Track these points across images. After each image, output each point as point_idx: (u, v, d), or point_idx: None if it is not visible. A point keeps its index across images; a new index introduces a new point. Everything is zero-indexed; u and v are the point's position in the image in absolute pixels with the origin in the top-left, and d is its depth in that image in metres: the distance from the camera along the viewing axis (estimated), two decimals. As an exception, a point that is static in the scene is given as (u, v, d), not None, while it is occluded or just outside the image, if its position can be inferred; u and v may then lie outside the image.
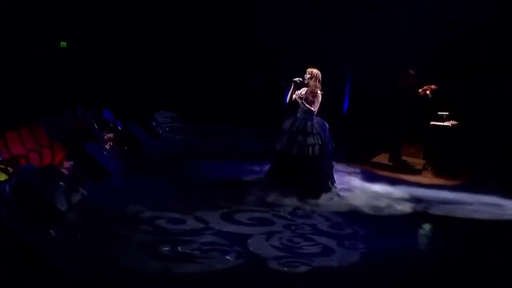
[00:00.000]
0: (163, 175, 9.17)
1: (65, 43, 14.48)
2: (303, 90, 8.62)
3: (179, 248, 6.00)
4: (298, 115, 8.61)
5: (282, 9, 14.05)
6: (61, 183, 6.79)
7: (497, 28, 11.88)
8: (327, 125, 8.66)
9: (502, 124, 11.56)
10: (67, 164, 8.53)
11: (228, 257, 5.86)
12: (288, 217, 7.43)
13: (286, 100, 8.71)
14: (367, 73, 13.11)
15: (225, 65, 15.18)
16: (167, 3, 14.96)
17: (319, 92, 8.49)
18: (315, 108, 8.50)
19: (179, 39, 15.13)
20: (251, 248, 6.16)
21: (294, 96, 8.63)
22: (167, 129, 13.18)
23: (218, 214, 7.26)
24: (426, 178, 10.62)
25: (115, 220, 6.73)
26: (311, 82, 8.53)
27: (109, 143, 10.14)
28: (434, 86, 10.65)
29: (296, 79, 8.59)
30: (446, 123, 10.94)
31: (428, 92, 10.65)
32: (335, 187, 8.73)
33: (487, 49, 12.02)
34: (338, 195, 8.55)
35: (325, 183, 8.57)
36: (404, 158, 11.34)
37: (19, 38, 12.81)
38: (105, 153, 8.75)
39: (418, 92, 10.67)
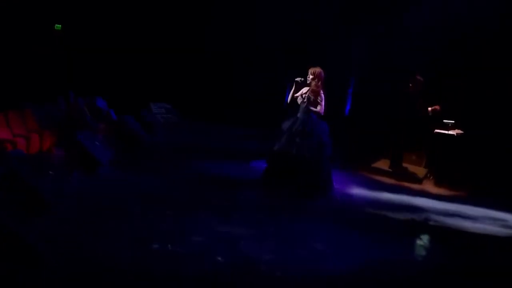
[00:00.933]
0: (157, 170, 9.04)
1: (60, 25, 14.25)
2: (304, 90, 8.45)
3: (169, 246, 5.85)
4: (298, 115, 8.50)
5: (282, 9, 13.96)
6: (50, 171, 6.60)
7: (497, 28, 11.79)
8: (328, 127, 8.49)
9: (503, 126, 11.38)
10: (56, 151, 8.32)
11: (219, 258, 5.72)
12: (283, 219, 7.24)
13: (286, 99, 8.54)
14: (368, 74, 13.00)
15: (225, 65, 15.11)
16: (168, 4, 14.82)
17: (321, 91, 8.34)
18: (321, 108, 8.35)
19: (179, 39, 15.02)
20: (243, 250, 6.02)
21: (299, 99, 8.46)
22: (161, 120, 13.05)
23: (212, 213, 7.11)
24: (427, 187, 10.44)
25: (104, 213, 6.62)
26: (313, 82, 8.40)
27: (101, 133, 9.92)
28: (438, 108, 10.50)
29: (298, 78, 8.48)
30: (451, 132, 10.74)
31: (429, 109, 10.49)
32: (333, 192, 8.57)
33: (487, 49, 11.90)
34: (336, 199, 8.39)
35: (323, 186, 8.42)
36: (405, 165, 11.16)
37: (13, 21, 12.58)
38: (97, 143, 8.54)
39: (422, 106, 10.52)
